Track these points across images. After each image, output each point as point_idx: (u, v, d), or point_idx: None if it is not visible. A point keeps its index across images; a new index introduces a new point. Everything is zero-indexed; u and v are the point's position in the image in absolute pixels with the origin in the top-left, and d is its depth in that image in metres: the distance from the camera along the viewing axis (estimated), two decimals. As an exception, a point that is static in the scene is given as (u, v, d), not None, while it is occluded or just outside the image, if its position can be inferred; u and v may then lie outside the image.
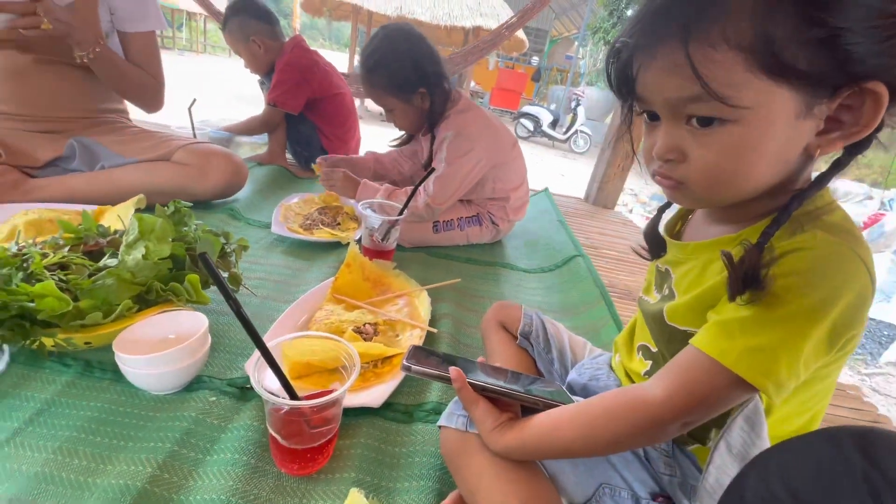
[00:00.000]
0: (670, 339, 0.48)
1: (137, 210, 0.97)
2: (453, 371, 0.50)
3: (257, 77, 1.68)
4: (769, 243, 0.37)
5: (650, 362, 0.53)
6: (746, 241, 0.38)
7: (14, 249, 0.66)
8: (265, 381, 0.49)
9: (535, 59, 15.16)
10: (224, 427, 0.57)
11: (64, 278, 0.61)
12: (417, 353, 0.54)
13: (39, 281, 0.59)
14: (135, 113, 1.29)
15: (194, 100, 1.44)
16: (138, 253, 0.66)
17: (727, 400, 0.38)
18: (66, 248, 0.72)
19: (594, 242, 1.63)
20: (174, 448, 0.53)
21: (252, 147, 1.75)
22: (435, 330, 0.79)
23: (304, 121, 1.64)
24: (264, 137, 1.72)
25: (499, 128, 1.25)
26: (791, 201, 0.38)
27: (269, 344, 0.50)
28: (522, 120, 8.21)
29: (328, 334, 0.56)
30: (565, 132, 7.63)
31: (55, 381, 0.59)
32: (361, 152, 1.87)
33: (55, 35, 0.94)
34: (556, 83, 13.48)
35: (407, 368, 0.52)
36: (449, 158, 1.12)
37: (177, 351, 0.58)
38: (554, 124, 7.90)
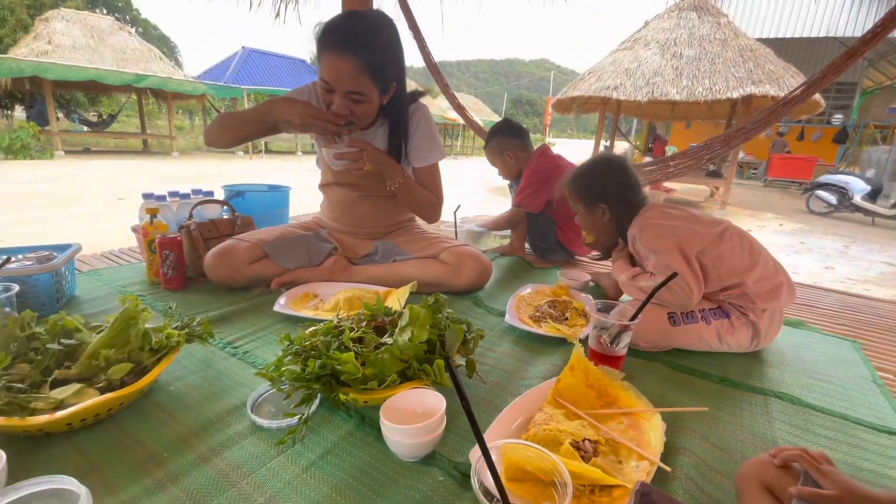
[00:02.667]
0: None
1: (410, 293, 1.25)
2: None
3: (507, 182, 1.95)
4: None
5: None
6: None
7: (335, 322, 0.95)
8: (486, 478, 0.53)
9: (837, 118, 12.14)
10: (446, 510, 0.62)
11: (359, 350, 0.83)
12: (651, 498, 0.48)
13: (346, 350, 0.82)
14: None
15: (458, 206, 1.79)
16: (406, 336, 0.83)
17: None
18: (364, 323, 0.97)
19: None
20: (406, 516, 0.61)
21: (498, 239, 2.00)
22: (668, 468, 0.68)
23: (542, 217, 1.79)
24: (508, 231, 1.95)
25: (693, 217, 1.17)
26: None
27: (490, 445, 0.54)
28: (819, 192, 6.54)
29: (544, 449, 0.56)
30: (893, 205, 5.62)
31: (341, 428, 0.79)
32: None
33: (374, 173, 1.34)
34: (874, 143, 10.32)
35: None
36: (652, 247, 1.12)
37: (422, 426, 0.68)
38: (874, 195, 5.96)
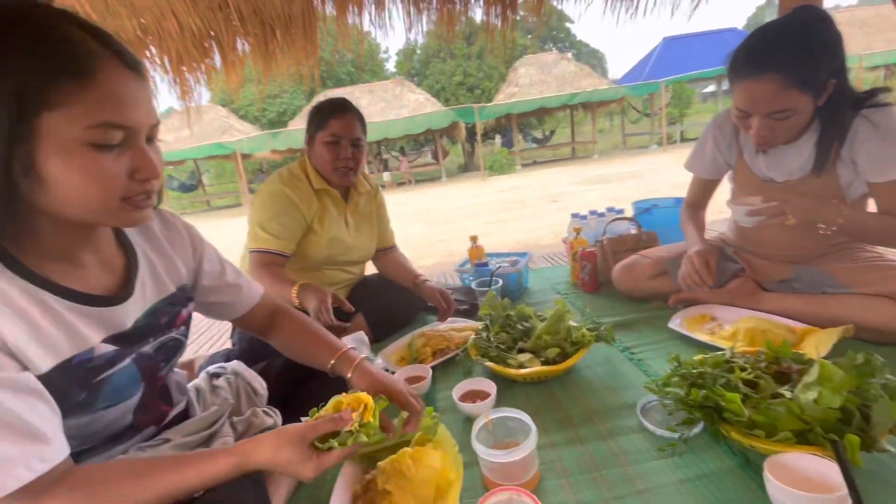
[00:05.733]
0: None
1: (840, 339, 1.03)
2: None
3: None
4: None
5: None
6: None
7: (728, 356, 0.95)
8: None
9: None
10: None
11: (748, 393, 0.82)
12: None
13: (734, 389, 0.83)
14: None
15: None
16: (812, 395, 0.75)
17: None
18: (763, 364, 0.92)
19: None
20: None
21: None
22: None
23: None
24: None
25: None
26: None
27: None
28: None
29: None
30: None
31: (722, 460, 0.81)
32: None
33: (797, 220, 1.12)
34: None
35: None
36: None
37: (818, 498, 0.62)
38: None
